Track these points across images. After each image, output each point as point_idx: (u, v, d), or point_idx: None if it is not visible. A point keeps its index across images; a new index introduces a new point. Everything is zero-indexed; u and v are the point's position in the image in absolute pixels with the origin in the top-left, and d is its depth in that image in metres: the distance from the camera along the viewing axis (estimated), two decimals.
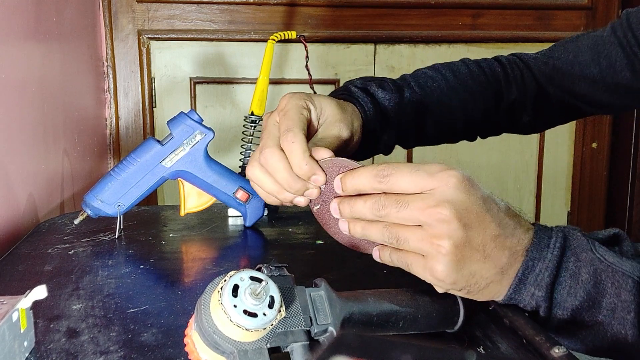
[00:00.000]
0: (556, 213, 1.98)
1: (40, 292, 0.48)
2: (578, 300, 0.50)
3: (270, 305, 0.41)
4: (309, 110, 0.64)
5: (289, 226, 0.89)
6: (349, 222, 0.54)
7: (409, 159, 1.85)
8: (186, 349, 0.43)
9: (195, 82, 1.74)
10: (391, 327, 0.50)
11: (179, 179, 0.83)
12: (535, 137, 1.91)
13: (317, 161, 0.58)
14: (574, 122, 1.93)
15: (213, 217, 0.93)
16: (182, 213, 0.85)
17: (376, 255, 0.54)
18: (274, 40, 0.94)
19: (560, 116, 0.92)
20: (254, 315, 0.40)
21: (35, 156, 1.02)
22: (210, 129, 0.81)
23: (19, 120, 0.95)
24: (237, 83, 1.76)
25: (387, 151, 0.82)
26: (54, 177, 1.12)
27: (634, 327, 0.49)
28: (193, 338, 0.43)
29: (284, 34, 0.95)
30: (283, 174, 0.59)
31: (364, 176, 0.51)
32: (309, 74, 0.97)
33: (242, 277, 0.41)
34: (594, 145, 1.94)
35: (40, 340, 0.52)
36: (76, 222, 0.83)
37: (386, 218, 0.50)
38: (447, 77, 0.84)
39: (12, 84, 0.92)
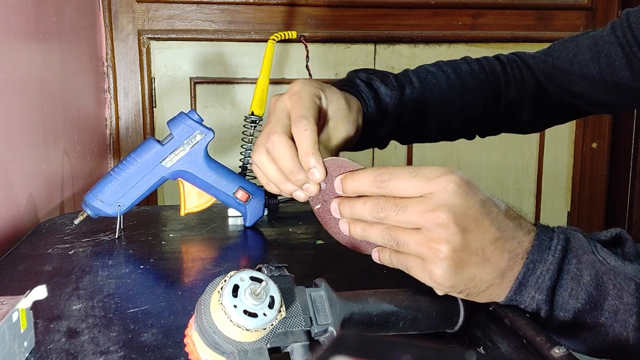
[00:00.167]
0: (556, 213, 1.98)
1: (40, 292, 0.48)
2: (580, 302, 0.50)
3: (271, 306, 0.41)
4: (320, 99, 0.63)
5: (289, 226, 0.89)
6: (349, 224, 0.54)
7: (409, 158, 1.85)
8: (186, 349, 0.43)
9: (195, 82, 1.74)
10: (391, 327, 0.50)
11: (179, 179, 0.83)
12: (535, 137, 1.91)
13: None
14: (574, 122, 1.93)
15: (213, 217, 0.93)
16: (182, 213, 0.85)
17: (375, 257, 0.54)
18: (274, 40, 0.94)
19: (560, 115, 0.92)
20: (254, 315, 0.40)
21: (35, 156, 1.02)
22: (210, 129, 0.81)
23: (19, 120, 0.95)
24: (237, 83, 1.76)
25: (383, 146, 0.82)
26: (54, 177, 1.12)
27: (635, 330, 0.49)
28: (193, 338, 0.43)
29: (284, 34, 0.95)
30: (288, 163, 0.58)
31: (364, 180, 0.52)
32: (309, 74, 0.97)
33: (242, 277, 0.41)
34: (594, 145, 1.94)
35: (40, 340, 0.52)
36: (76, 222, 0.83)
37: (385, 220, 0.50)
38: (449, 75, 0.84)
39: (12, 84, 0.92)
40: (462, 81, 0.84)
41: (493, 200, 0.50)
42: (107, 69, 1.68)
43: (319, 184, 0.58)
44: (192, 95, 1.75)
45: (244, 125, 0.95)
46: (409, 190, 0.49)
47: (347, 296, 0.49)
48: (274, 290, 0.42)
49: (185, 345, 0.44)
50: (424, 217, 0.47)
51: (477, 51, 1.84)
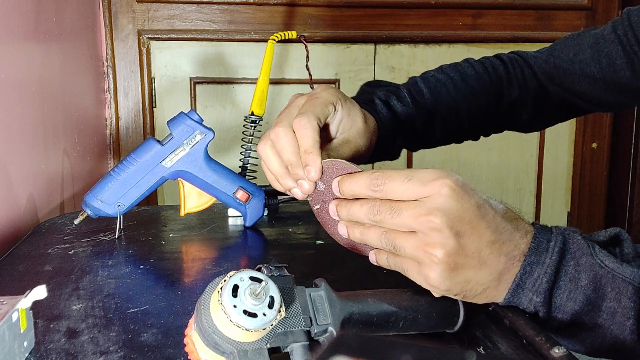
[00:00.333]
0: (556, 213, 1.98)
1: (40, 292, 0.48)
2: (578, 304, 0.50)
3: (270, 306, 0.41)
4: (336, 107, 0.64)
5: (289, 226, 0.89)
6: (347, 226, 0.54)
7: (409, 159, 1.85)
8: (186, 349, 0.43)
9: (195, 82, 1.74)
10: (391, 327, 0.50)
11: (179, 179, 0.83)
12: (535, 137, 1.91)
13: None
14: (574, 122, 1.93)
15: (213, 217, 0.93)
16: (182, 213, 0.85)
17: (373, 259, 0.55)
18: (274, 40, 0.94)
19: (560, 115, 0.92)
20: (254, 315, 0.40)
21: (35, 156, 1.02)
22: (210, 129, 0.81)
23: (19, 120, 0.95)
24: (237, 83, 1.76)
25: (395, 158, 0.83)
26: (54, 177, 1.12)
27: (632, 333, 0.49)
28: (193, 338, 0.43)
29: (284, 34, 0.95)
30: (289, 156, 0.59)
31: (360, 182, 0.52)
32: (309, 74, 0.97)
33: (242, 277, 0.41)
34: (594, 145, 1.94)
35: (40, 340, 0.52)
36: (76, 222, 0.83)
37: (381, 224, 0.50)
38: (456, 81, 0.85)
39: (12, 84, 0.92)
40: (468, 86, 0.85)
41: (489, 203, 0.50)
42: (107, 69, 1.68)
43: (315, 183, 0.59)
44: (192, 95, 1.75)
45: (244, 125, 0.95)
46: (404, 194, 0.49)
47: (347, 296, 0.49)
48: (273, 290, 0.42)
49: (185, 345, 0.44)
50: (419, 221, 0.48)
51: (477, 51, 1.84)
